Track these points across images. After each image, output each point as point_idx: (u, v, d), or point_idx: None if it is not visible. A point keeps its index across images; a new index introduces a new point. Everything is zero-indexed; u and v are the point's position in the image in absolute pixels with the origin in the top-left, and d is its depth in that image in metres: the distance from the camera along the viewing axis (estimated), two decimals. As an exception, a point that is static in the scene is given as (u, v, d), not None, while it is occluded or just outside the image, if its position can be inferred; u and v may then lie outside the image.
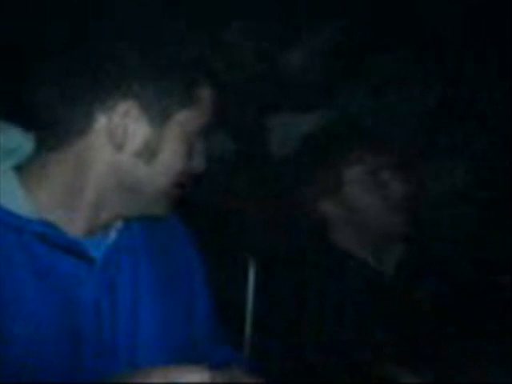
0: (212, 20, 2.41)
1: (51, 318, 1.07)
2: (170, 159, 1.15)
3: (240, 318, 1.67)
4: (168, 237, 1.33)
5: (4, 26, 2.18)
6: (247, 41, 2.57)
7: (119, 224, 1.22)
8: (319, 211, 1.88)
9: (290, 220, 1.88)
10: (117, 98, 1.12)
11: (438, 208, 2.43)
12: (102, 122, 1.13)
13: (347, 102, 2.61)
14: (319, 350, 1.62)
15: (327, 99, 2.59)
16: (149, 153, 1.14)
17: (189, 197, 1.27)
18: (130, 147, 1.13)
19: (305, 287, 1.74)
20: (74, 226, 1.14)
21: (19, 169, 1.15)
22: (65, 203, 1.14)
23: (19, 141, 1.19)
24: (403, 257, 1.90)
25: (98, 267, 1.14)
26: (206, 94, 1.18)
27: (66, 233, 1.12)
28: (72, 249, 1.11)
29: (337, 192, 1.85)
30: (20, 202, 1.10)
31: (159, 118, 1.14)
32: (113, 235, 1.21)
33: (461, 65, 2.55)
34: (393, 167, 1.83)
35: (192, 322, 1.32)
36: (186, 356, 1.17)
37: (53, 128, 1.14)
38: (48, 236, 1.09)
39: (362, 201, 1.83)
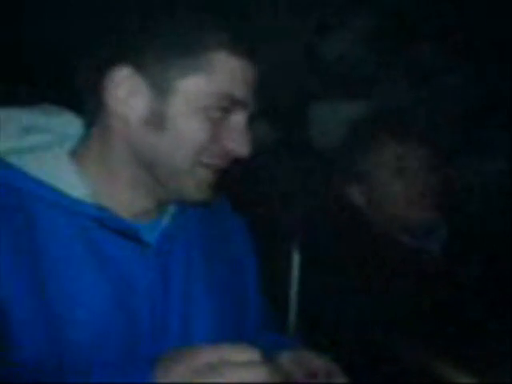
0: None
1: (109, 302, 1.08)
2: (185, 131, 1.08)
3: (284, 308, 1.69)
4: (221, 224, 1.32)
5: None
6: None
7: (173, 209, 1.21)
8: (352, 198, 1.90)
9: (329, 207, 1.89)
10: (112, 68, 1.08)
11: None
12: (105, 94, 1.09)
13: (388, 91, 2.59)
14: (364, 340, 1.62)
15: (368, 88, 2.58)
16: (156, 122, 1.08)
17: (233, 185, 1.25)
18: (135, 116, 1.09)
19: (349, 274, 1.74)
20: (123, 210, 1.13)
21: (73, 153, 1.15)
22: (110, 186, 1.13)
23: (72, 126, 1.19)
24: (448, 237, 1.89)
25: (151, 252, 1.13)
26: (220, 60, 1.08)
27: (120, 217, 1.12)
28: (127, 233, 1.11)
29: (367, 178, 1.87)
30: (75, 186, 1.09)
31: (161, 84, 1.08)
32: (166, 220, 1.19)
33: (505, 62, 2.51)
34: (421, 156, 1.84)
35: (243, 307, 1.31)
36: (236, 341, 1.15)
37: (82, 109, 1.14)
38: (104, 220, 1.09)
39: (388, 186, 1.85)
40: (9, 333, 0.99)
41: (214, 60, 1.08)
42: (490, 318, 1.66)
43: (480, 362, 1.52)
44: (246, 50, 1.10)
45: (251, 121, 1.15)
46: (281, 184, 2.33)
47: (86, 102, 1.14)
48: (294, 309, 1.71)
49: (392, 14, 2.64)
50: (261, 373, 0.90)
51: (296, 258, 1.73)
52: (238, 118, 1.13)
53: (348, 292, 1.70)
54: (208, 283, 1.22)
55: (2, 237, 1.02)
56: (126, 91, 1.08)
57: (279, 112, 2.49)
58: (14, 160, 1.08)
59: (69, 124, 1.19)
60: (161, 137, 1.08)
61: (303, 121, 2.57)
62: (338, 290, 1.70)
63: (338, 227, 1.81)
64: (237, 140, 1.13)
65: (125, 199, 1.14)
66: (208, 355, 0.92)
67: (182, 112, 1.08)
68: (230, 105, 1.11)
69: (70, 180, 1.09)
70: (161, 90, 1.07)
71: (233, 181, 1.24)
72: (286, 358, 1.18)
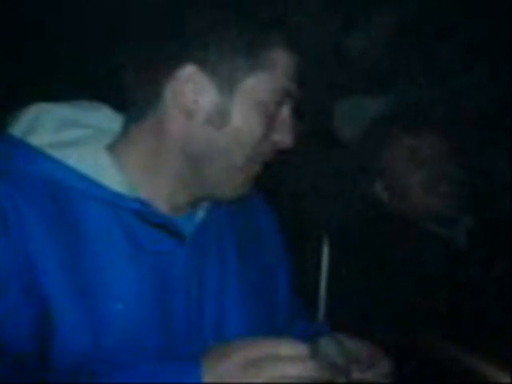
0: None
1: (146, 295, 1.08)
2: (245, 127, 1.11)
3: (314, 295, 1.72)
4: (254, 219, 1.33)
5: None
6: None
7: (207, 203, 1.22)
8: (377, 194, 1.96)
9: (358, 197, 1.93)
10: (178, 65, 1.10)
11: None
12: (168, 90, 1.11)
13: (411, 87, 2.61)
14: (394, 330, 1.64)
15: (392, 84, 2.60)
16: (220, 119, 1.10)
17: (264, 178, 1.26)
18: (201, 112, 1.10)
19: (377, 263, 1.78)
20: (161, 203, 1.14)
21: (112, 148, 1.16)
22: (151, 179, 1.14)
23: (110, 120, 1.20)
24: (474, 227, 1.93)
25: (187, 245, 1.14)
26: (279, 57, 1.11)
27: (157, 210, 1.13)
28: (165, 226, 1.12)
29: (388, 172, 1.94)
30: (115, 179, 1.10)
31: (226, 82, 1.10)
32: (201, 214, 1.21)
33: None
34: (435, 146, 1.90)
35: (275, 302, 1.31)
36: (268, 333, 1.15)
37: (129, 102, 1.15)
38: (143, 213, 1.10)
39: (407, 177, 1.91)
40: (53, 326, 1.00)
41: (274, 57, 1.11)
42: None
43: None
44: (296, 46, 1.14)
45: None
46: (310, 178, 2.36)
47: (134, 98, 1.15)
48: (324, 300, 1.73)
49: (415, 12, 2.65)
50: (309, 367, 0.91)
51: (326, 250, 1.76)
52: (286, 110, 1.16)
53: (377, 284, 1.73)
54: (241, 278, 1.22)
55: (42, 228, 1.02)
56: (192, 88, 1.10)
57: (306, 107, 2.51)
58: (53, 153, 1.09)
59: (107, 119, 1.20)
60: (222, 133, 1.10)
61: (329, 115, 2.60)
62: (367, 283, 1.74)
63: (367, 223, 1.85)
64: (284, 131, 1.15)
65: (165, 193, 1.15)
66: (256, 350, 0.93)
67: (245, 109, 1.10)
68: (283, 99, 1.14)
69: (109, 173, 1.11)
70: (225, 87, 1.10)
71: (265, 175, 1.25)
72: (326, 344, 1.20)
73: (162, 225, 1.12)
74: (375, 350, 1.15)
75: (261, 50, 1.10)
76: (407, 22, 2.67)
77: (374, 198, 1.95)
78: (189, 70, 1.10)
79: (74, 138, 1.13)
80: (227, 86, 1.10)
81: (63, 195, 1.07)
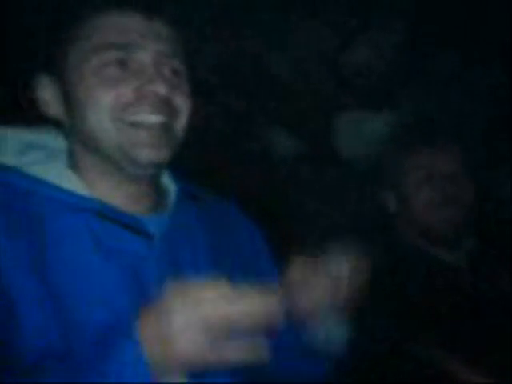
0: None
1: (121, 297, 1.08)
2: (86, 94, 1.13)
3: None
4: (224, 215, 1.33)
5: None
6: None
7: (171, 202, 1.23)
8: (386, 203, 1.94)
9: (361, 217, 1.91)
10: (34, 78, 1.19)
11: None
12: (40, 105, 1.19)
13: (412, 101, 2.60)
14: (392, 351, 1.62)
15: (393, 99, 2.59)
16: (68, 100, 1.15)
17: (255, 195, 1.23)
18: (57, 111, 1.17)
19: (377, 285, 1.75)
20: (125, 204, 1.16)
21: (69, 164, 1.20)
22: (102, 185, 1.17)
23: (61, 140, 1.24)
24: (475, 250, 1.90)
25: (157, 243, 1.14)
26: (93, 23, 1.15)
27: (122, 209, 1.15)
28: (130, 225, 1.13)
29: (400, 184, 1.90)
30: (77, 186, 1.14)
31: (57, 69, 1.16)
32: (167, 213, 1.21)
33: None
34: (445, 166, 1.87)
35: None
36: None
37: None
38: (106, 213, 1.12)
39: (413, 195, 1.88)
40: (18, 329, 1.00)
41: (90, 25, 1.14)
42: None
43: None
44: (117, 5, 1.15)
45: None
46: (308, 197, 2.34)
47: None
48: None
49: (414, 26, 2.65)
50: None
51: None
52: (140, 61, 1.14)
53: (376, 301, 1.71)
54: (217, 271, 1.19)
55: (8, 234, 1.04)
56: (49, 94, 1.17)
57: (304, 124, 2.51)
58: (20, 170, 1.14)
59: (58, 139, 1.23)
60: (76, 112, 1.14)
61: (328, 132, 2.58)
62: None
63: (369, 238, 1.83)
64: (146, 80, 1.13)
65: (120, 193, 1.17)
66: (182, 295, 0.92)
67: (78, 79, 1.13)
68: (121, 54, 1.13)
69: (71, 181, 1.14)
70: (62, 73, 1.15)
71: (260, 193, 1.23)
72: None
73: (129, 225, 1.12)
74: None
75: (79, 21, 1.14)
76: (406, 37, 2.68)
77: (383, 208, 1.92)
78: (42, 80, 1.17)
79: (36, 159, 1.17)
80: (62, 73, 1.15)
81: (32, 203, 1.10)
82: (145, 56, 1.14)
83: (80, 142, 1.17)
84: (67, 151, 1.21)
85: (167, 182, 1.28)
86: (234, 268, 1.24)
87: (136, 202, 1.19)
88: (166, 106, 1.14)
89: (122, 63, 1.13)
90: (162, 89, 1.12)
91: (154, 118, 1.13)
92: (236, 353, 0.92)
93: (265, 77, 2.65)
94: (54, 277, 1.04)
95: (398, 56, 2.64)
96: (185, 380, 0.92)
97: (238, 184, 2.19)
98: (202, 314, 0.90)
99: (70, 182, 1.14)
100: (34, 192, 1.11)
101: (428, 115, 2.40)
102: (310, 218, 2.22)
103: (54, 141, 1.23)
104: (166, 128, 1.15)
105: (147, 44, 1.14)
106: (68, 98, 1.15)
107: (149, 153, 1.13)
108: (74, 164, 1.19)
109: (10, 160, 1.15)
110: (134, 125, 1.13)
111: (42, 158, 1.18)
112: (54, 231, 1.08)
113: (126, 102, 1.12)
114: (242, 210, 1.38)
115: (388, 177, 1.95)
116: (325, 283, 1.16)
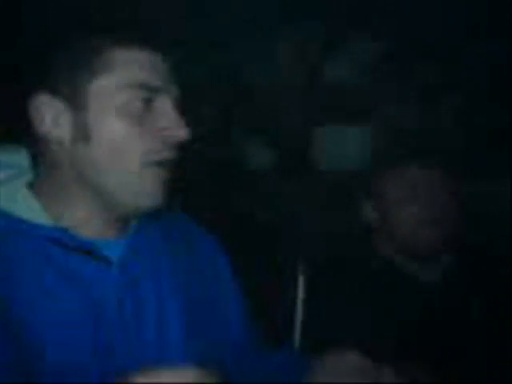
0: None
1: (81, 321, 1.08)
2: (107, 132, 1.11)
3: (288, 327, 1.66)
4: (186, 235, 1.32)
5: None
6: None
7: (133, 225, 1.22)
8: (365, 213, 1.91)
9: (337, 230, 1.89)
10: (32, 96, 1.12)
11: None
12: (34, 124, 1.12)
13: (394, 111, 2.60)
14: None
15: (374, 109, 2.59)
16: (82, 132, 1.10)
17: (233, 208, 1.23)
18: (66, 135, 1.11)
19: (351, 298, 1.73)
20: (87, 230, 1.15)
21: (31, 184, 1.17)
22: (69, 208, 1.15)
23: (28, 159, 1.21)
24: (450, 266, 1.87)
25: (115, 267, 1.14)
26: (115, 57, 1.11)
27: (79, 235, 1.13)
28: (86, 249, 1.12)
29: (382, 198, 1.87)
30: (34, 213, 1.12)
31: (70, 92, 1.10)
32: (128, 235, 1.20)
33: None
34: (428, 181, 1.83)
35: (222, 319, 1.30)
36: (215, 350, 1.19)
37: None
38: (61, 239, 1.11)
39: (394, 211, 1.84)
40: None
41: (111, 58, 1.11)
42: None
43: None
44: (139, 42, 1.13)
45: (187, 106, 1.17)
46: (284, 206, 2.32)
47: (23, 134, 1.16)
48: (299, 331, 1.68)
49: (393, 39, 2.66)
50: None
51: (301, 280, 1.71)
52: (163, 104, 1.14)
53: (351, 316, 1.68)
54: (180, 291, 1.22)
55: None
56: (50, 115, 1.11)
57: (281, 135, 2.50)
58: None
59: (26, 158, 1.21)
60: (92, 147, 1.10)
61: (306, 145, 2.57)
62: (342, 315, 1.69)
63: (344, 249, 1.81)
64: (170, 124, 1.13)
65: (84, 219, 1.15)
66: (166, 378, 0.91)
67: (101, 114, 1.10)
68: (148, 94, 1.12)
69: (28, 208, 1.12)
70: (73, 99, 1.10)
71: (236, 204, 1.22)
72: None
73: (84, 249, 1.12)
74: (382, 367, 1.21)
75: (98, 53, 1.11)
76: (388, 48, 2.68)
77: (362, 219, 1.90)
78: (42, 99, 1.11)
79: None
80: (73, 97, 1.10)
81: None
82: (168, 99, 1.14)
83: (72, 171, 1.13)
84: (36, 172, 1.18)
85: None
86: (197, 292, 1.25)
87: (110, 227, 1.18)
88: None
89: (147, 102, 1.12)
90: (184, 134, 1.14)
91: (170, 157, 1.15)
92: None
93: (242, 87, 2.65)
94: (15, 308, 1.04)
95: (380, 69, 2.65)
96: None
97: (213, 195, 2.19)
98: None
99: (27, 205, 1.13)
100: None
101: (410, 129, 2.40)
102: (288, 228, 2.20)
103: (22, 160, 1.20)
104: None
105: (170, 87, 1.15)
106: (79, 125, 1.11)
107: (153, 200, 1.14)
108: (39, 184, 1.17)
109: None
110: (159, 164, 1.13)
111: (5, 178, 1.17)
112: (14, 261, 1.08)
113: (152, 145, 1.12)
114: (194, 222, 1.37)
115: (368, 190, 1.92)
116: None
